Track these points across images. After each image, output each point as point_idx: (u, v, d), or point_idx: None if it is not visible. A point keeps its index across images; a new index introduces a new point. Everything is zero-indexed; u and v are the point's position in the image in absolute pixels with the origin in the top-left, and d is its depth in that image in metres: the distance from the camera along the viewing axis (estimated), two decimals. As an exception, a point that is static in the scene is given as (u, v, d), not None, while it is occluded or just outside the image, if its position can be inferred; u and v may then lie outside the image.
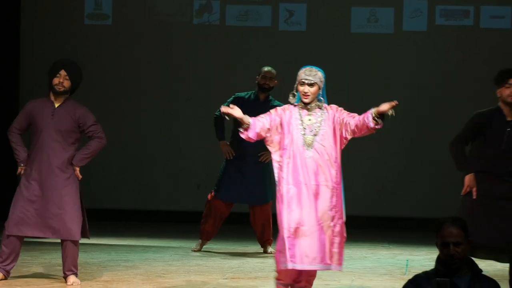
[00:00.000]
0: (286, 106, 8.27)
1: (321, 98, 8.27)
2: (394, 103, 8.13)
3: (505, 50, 14.02)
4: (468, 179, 9.11)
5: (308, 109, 8.20)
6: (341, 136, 8.34)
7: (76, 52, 14.34)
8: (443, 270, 6.31)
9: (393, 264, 11.31)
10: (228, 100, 11.42)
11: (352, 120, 8.31)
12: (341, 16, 14.30)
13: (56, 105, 9.44)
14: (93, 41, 14.40)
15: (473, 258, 6.62)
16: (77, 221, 9.47)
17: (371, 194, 14.15)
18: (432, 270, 6.43)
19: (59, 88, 9.38)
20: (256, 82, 11.40)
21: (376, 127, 8.22)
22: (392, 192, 14.06)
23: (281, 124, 8.18)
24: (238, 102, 10.80)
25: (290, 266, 8.08)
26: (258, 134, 8.11)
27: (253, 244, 11.75)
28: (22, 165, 9.48)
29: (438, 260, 6.34)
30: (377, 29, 14.29)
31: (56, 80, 9.37)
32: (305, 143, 8.15)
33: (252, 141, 8.24)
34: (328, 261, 8.27)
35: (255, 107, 10.21)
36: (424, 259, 11.60)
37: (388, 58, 14.18)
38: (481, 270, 6.41)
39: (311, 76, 8.21)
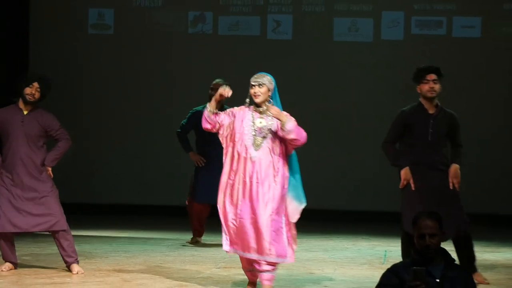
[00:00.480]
0: (242, 106, 8.46)
1: (271, 100, 8.40)
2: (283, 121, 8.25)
3: (475, 57, 14.05)
4: (404, 172, 9.23)
5: (260, 112, 8.36)
6: (282, 140, 8.40)
7: (81, 58, 14.37)
8: (419, 259, 6.29)
9: (372, 254, 11.32)
10: (187, 116, 11.55)
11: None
12: (324, 26, 14.30)
13: (25, 112, 9.52)
14: (96, 48, 14.41)
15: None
16: (60, 212, 9.55)
17: (352, 190, 14.16)
18: (409, 259, 6.43)
19: (30, 98, 9.51)
20: (209, 94, 11.34)
21: (284, 134, 8.32)
22: (371, 189, 14.06)
23: (233, 123, 8.38)
24: (196, 115, 11.02)
25: (225, 249, 8.43)
26: (215, 123, 8.41)
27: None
28: None
29: (415, 250, 6.33)
30: (357, 38, 14.30)
31: (28, 90, 9.48)
32: (254, 143, 8.32)
33: (209, 126, 8.43)
34: (262, 252, 8.31)
35: None
36: (400, 250, 11.58)
37: (367, 64, 14.18)
38: (454, 260, 6.40)
39: (259, 78, 8.40)
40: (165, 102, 14.28)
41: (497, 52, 14.08)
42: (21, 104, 9.52)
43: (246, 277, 9.10)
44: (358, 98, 14.16)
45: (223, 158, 8.43)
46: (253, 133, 8.29)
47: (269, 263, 8.38)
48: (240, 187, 8.31)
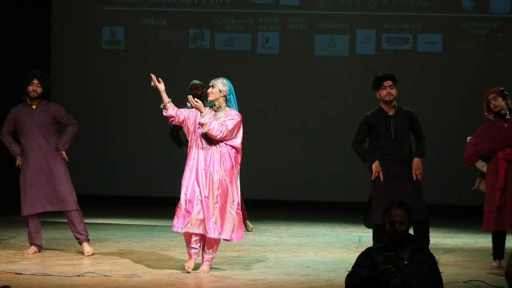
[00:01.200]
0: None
1: (229, 105, 8.66)
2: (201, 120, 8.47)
3: (437, 69, 14.07)
4: (375, 166, 9.26)
5: (215, 111, 8.60)
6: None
7: (97, 69, 14.35)
8: (389, 244, 6.32)
9: (348, 239, 11.33)
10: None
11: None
12: (307, 42, 14.30)
13: (34, 107, 9.54)
14: (109, 61, 14.40)
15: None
16: (72, 194, 9.55)
17: (331, 184, 14.15)
18: (380, 243, 6.44)
19: (33, 94, 9.58)
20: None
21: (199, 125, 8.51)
22: (346, 183, 14.06)
23: (194, 119, 8.59)
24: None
25: (174, 230, 8.59)
26: (176, 117, 8.64)
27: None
28: (18, 157, 9.58)
29: (386, 236, 6.36)
30: (335, 52, 14.30)
31: (30, 88, 9.55)
32: (205, 137, 8.54)
33: (172, 120, 8.71)
34: (208, 230, 8.45)
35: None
36: (372, 237, 11.61)
37: (344, 75, 14.19)
38: (421, 245, 6.44)
39: (214, 80, 8.69)
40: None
41: (455, 65, 14.11)
42: (29, 101, 9.57)
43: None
44: (335, 105, 14.18)
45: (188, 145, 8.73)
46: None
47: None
48: (199, 172, 8.52)
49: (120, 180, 14.24)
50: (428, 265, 6.31)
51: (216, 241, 8.57)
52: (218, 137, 8.41)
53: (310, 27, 14.30)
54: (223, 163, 8.50)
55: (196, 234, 8.52)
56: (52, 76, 14.08)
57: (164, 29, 14.39)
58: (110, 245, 10.36)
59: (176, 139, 11.90)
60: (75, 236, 9.60)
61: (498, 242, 9.24)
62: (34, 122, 9.54)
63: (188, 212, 8.47)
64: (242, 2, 14.32)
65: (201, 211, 8.44)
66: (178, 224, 8.53)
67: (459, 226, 12.39)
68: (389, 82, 9.36)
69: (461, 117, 13.69)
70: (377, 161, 9.20)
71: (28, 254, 9.49)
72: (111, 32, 14.45)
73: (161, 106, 8.70)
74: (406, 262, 6.25)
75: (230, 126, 8.44)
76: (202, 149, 8.53)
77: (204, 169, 8.49)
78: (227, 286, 8.14)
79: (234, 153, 8.58)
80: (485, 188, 9.31)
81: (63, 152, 9.62)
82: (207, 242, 8.56)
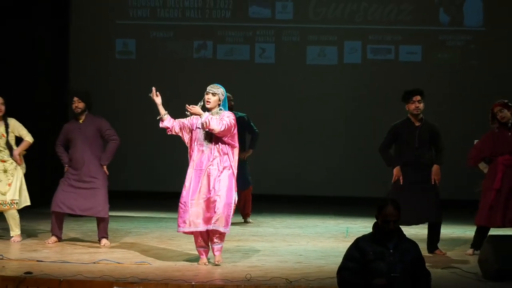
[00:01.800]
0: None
1: (222, 108, 8.37)
2: (189, 107, 8.40)
3: (417, 77, 14.03)
4: (396, 170, 9.27)
5: (212, 114, 8.31)
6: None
7: (111, 77, 14.35)
8: (378, 235, 6.32)
9: (337, 230, 11.32)
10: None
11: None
12: (299, 52, 14.30)
13: (80, 121, 9.53)
14: (122, 70, 14.41)
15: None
16: (105, 203, 9.55)
17: (323, 180, 14.15)
18: (369, 234, 6.46)
19: (77, 110, 9.57)
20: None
21: (207, 129, 8.27)
22: (336, 179, 14.06)
23: (191, 127, 8.44)
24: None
25: (179, 230, 8.41)
26: (172, 128, 8.60)
27: (236, 216, 11.71)
28: (66, 165, 9.59)
29: (375, 227, 6.36)
30: (325, 62, 14.30)
31: (73, 106, 9.56)
32: (205, 139, 8.34)
33: (168, 130, 8.66)
34: (210, 224, 8.30)
35: None
36: (359, 226, 11.59)
37: (333, 82, 14.18)
38: (405, 236, 6.48)
39: (214, 88, 8.38)
40: (175, 109, 14.26)
41: (433, 73, 14.11)
42: (76, 116, 9.61)
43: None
44: (326, 108, 14.17)
45: (189, 151, 8.51)
46: (204, 132, 8.32)
47: None
48: (198, 173, 8.36)
49: (132, 177, 14.23)
50: (411, 253, 6.32)
51: (223, 233, 8.44)
52: (222, 129, 8.18)
53: (302, 39, 14.29)
54: (223, 162, 8.36)
55: (201, 232, 8.38)
56: (72, 82, 14.14)
57: (171, 41, 14.38)
58: (122, 235, 10.34)
59: None
60: (98, 235, 9.62)
61: (481, 235, 9.21)
62: (81, 135, 9.54)
63: (190, 211, 8.33)
64: (241, 16, 14.30)
65: (204, 209, 8.31)
66: (182, 224, 8.39)
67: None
68: (418, 97, 9.35)
69: (437, 120, 13.68)
70: (398, 167, 9.22)
71: (48, 243, 9.49)
72: (123, 44, 14.44)
73: (158, 118, 8.56)
74: (391, 251, 6.25)
75: (229, 122, 8.26)
76: (203, 150, 8.36)
77: (206, 170, 8.33)
78: (228, 272, 8.11)
79: (232, 152, 8.43)
80: (483, 188, 9.31)
81: (104, 166, 9.62)
82: (214, 236, 8.46)
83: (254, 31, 14.33)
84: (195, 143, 8.43)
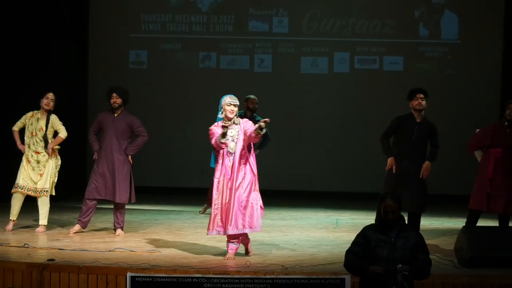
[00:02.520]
0: (216, 123, 8.20)
1: (237, 115, 8.27)
2: (267, 120, 7.90)
3: (399, 85, 14.03)
4: (390, 160, 9.21)
5: (231, 123, 8.14)
6: (245, 140, 8.15)
7: (125, 84, 14.27)
8: (381, 225, 6.45)
9: (328, 222, 11.31)
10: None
11: (250, 130, 8.08)
12: (294, 62, 14.31)
13: (115, 115, 9.52)
14: (135, 78, 14.37)
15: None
16: (126, 191, 9.51)
17: (315, 176, 14.14)
18: (372, 224, 6.60)
19: (114, 105, 9.50)
20: (245, 105, 11.35)
21: (258, 136, 7.97)
22: (327, 175, 14.05)
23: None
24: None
25: (211, 234, 8.17)
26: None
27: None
28: (96, 153, 9.56)
29: (379, 219, 6.53)
30: (317, 71, 14.30)
31: (111, 100, 9.50)
32: (229, 147, 8.11)
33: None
34: (242, 227, 8.08)
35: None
36: (347, 218, 11.59)
37: (324, 89, 14.19)
38: (407, 225, 6.58)
39: (236, 100, 8.19)
40: (183, 113, 14.28)
41: (413, 81, 14.06)
42: (111, 109, 9.59)
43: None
44: (317, 112, 14.17)
45: (217, 156, 8.25)
46: (229, 138, 8.11)
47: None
48: (226, 180, 8.10)
49: (145, 174, 14.20)
50: (412, 240, 6.37)
51: (242, 234, 8.21)
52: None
53: (297, 50, 14.29)
54: (247, 166, 8.16)
55: (233, 235, 8.13)
56: (90, 89, 14.14)
57: (179, 52, 14.38)
58: (135, 226, 10.33)
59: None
60: (114, 224, 9.58)
61: (472, 218, 9.16)
62: (113, 127, 9.52)
63: (218, 218, 8.12)
64: (242, 30, 14.31)
65: (228, 215, 8.05)
66: (211, 229, 8.16)
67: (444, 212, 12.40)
68: (421, 95, 9.29)
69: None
70: (392, 157, 9.15)
71: (71, 233, 9.45)
72: (136, 55, 14.44)
73: (221, 141, 8.07)
74: (393, 239, 6.31)
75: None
76: (229, 159, 8.11)
77: (232, 177, 8.08)
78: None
79: (253, 157, 8.28)
80: (477, 175, 9.21)
81: (129, 156, 9.60)
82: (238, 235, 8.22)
83: (254, 43, 14.33)
84: (221, 153, 8.16)
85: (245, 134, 8.09)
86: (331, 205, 12.80)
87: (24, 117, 9.66)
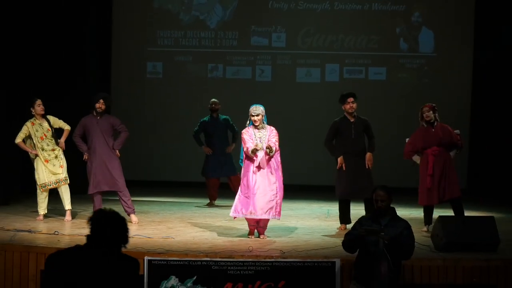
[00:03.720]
0: (247, 128, 8.55)
1: (264, 121, 8.57)
2: (273, 147, 8.41)
3: (382, 92, 14.09)
4: (340, 159, 9.34)
5: (257, 129, 8.51)
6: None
7: (143, 92, 14.33)
8: (373, 213, 6.52)
9: (320, 212, 11.30)
10: (198, 124, 11.69)
11: (269, 142, 8.51)
12: (290, 72, 14.28)
13: (98, 117, 9.51)
14: (152, 86, 14.37)
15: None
16: (121, 179, 9.52)
17: (310, 171, 14.11)
18: (368, 214, 6.82)
19: (99, 110, 9.52)
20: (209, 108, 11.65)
21: (268, 156, 8.44)
22: (320, 170, 14.02)
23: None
24: (203, 123, 11.74)
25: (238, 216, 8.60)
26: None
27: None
28: (85, 153, 9.57)
29: (373, 209, 6.60)
30: (311, 80, 14.27)
31: (97, 105, 9.53)
32: (258, 146, 8.45)
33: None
34: (267, 214, 8.45)
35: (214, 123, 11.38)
36: (337, 209, 11.53)
37: (316, 97, 14.17)
38: (397, 216, 6.59)
39: (258, 111, 8.48)
40: (193, 117, 14.21)
41: (395, 89, 14.11)
42: (94, 113, 9.53)
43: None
44: (311, 116, 14.14)
45: (243, 157, 8.59)
46: (256, 141, 8.47)
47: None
48: (260, 173, 8.44)
49: (159, 169, 14.20)
50: (399, 228, 6.38)
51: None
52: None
53: (293, 62, 14.26)
54: (272, 163, 8.54)
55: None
56: (113, 96, 14.07)
57: (190, 64, 14.35)
58: (151, 216, 10.31)
59: (198, 140, 11.88)
60: (125, 209, 9.54)
61: (428, 213, 9.24)
62: (98, 128, 9.49)
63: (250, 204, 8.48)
64: (245, 44, 14.28)
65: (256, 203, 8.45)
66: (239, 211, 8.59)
67: (398, 201, 12.33)
68: (351, 99, 9.39)
69: (397, 126, 13.70)
70: (341, 156, 9.22)
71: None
72: (153, 66, 14.41)
73: (251, 154, 8.45)
74: (382, 227, 6.32)
75: (277, 141, 8.57)
76: (258, 155, 8.42)
77: (263, 170, 8.42)
78: (234, 245, 8.08)
79: (279, 158, 8.65)
80: (420, 173, 9.30)
81: (117, 151, 9.58)
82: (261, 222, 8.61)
83: (255, 56, 14.29)
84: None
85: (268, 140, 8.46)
86: (323, 197, 12.77)
87: (24, 128, 9.62)
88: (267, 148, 8.40)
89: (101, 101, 9.54)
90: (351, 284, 6.60)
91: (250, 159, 8.41)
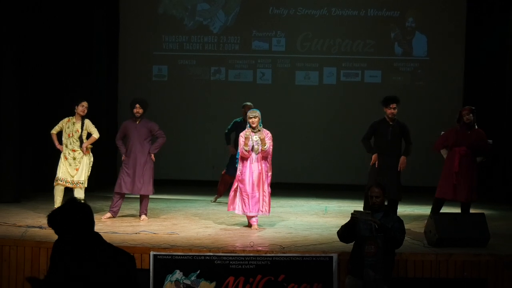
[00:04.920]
0: (245, 130, 8.94)
1: (260, 124, 8.91)
2: (263, 149, 8.80)
3: (377, 94, 13.99)
4: (374, 156, 9.28)
5: (254, 131, 8.87)
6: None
7: (149, 94, 14.31)
8: (369, 209, 6.53)
9: (318, 209, 11.29)
10: (231, 124, 11.50)
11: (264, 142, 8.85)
12: (290, 75, 14.28)
13: (137, 122, 9.50)
14: (157, 88, 14.36)
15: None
16: (150, 184, 9.51)
17: (308, 170, 14.11)
18: (364, 211, 6.79)
19: (137, 114, 9.46)
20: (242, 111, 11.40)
21: (263, 151, 8.85)
22: (317, 169, 14.02)
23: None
24: (236, 123, 11.09)
25: (238, 212, 8.97)
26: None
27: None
28: (124, 155, 9.55)
29: (367, 205, 6.60)
30: (309, 83, 14.26)
31: (135, 110, 9.48)
32: (253, 148, 8.83)
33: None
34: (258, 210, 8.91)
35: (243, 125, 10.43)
36: (335, 206, 11.56)
37: (315, 98, 14.16)
38: (390, 211, 6.69)
39: (255, 113, 8.90)
40: (197, 118, 14.26)
41: (390, 91, 13.96)
42: (134, 118, 9.58)
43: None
44: (309, 117, 14.15)
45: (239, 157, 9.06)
46: (252, 143, 8.81)
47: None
48: (251, 174, 8.86)
49: (165, 168, 14.20)
50: (391, 222, 6.39)
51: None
52: (267, 155, 8.89)
53: (292, 65, 14.26)
54: (265, 164, 8.92)
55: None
56: (120, 98, 14.11)
57: (194, 67, 14.34)
58: (157, 212, 10.31)
59: (228, 139, 11.72)
60: (140, 211, 9.58)
61: (438, 205, 9.15)
62: (136, 132, 9.52)
63: (246, 202, 8.89)
64: (246, 49, 14.28)
65: (251, 201, 8.88)
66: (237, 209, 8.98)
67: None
68: (394, 105, 9.33)
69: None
70: (376, 154, 9.21)
71: (103, 218, 9.43)
72: (158, 69, 14.41)
73: (245, 149, 8.83)
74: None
75: (271, 144, 8.89)
76: (251, 158, 8.84)
77: (256, 171, 8.84)
78: (236, 240, 8.08)
79: (269, 160, 9.00)
80: (443, 170, 9.19)
81: (153, 155, 9.58)
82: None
83: (256, 60, 14.29)
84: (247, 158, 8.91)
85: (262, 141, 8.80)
86: (321, 194, 12.78)
87: (61, 122, 9.65)
88: (261, 140, 8.73)
89: (137, 105, 9.56)
90: (347, 278, 6.61)
91: (245, 159, 8.75)
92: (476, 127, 9.05)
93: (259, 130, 8.84)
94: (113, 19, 14.00)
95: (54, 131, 9.67)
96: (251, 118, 8.78)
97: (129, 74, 14.30)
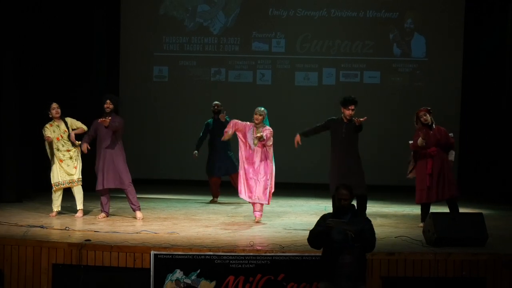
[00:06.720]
0: (249, 123, 9.40)
1: (265, 123, 9.34)
2: (259, 135, 9.17)
3: (377, 95, 14.08)
4: (297, 137, 9.62)
5: (257, 127, 9.30)
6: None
7: (150, 94, 14.34)
8: (337, 211, 6.46)
9: (318, 208, 11.28)
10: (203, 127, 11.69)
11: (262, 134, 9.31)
12: (289, 76, 14.28)
13: (107, 118, 9.41)
14: (158, 89, 14.37)
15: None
16: (127, 177, 9.47)
17: (308, 170, 14.11)
18: (330, 212, 6.66)
19: (107, 110, 9.45)
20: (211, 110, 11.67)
21: (260, 143, 9.31)
22: (316, 169, 14.03)
23: (244, 133, 9.35)
24: (207, 125, 11.78)
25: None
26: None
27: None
28: (83, 144, 9.44)
29: (335, 206, 6.49)
30: (309, 83, 14.27)
31: (105, 106, 9.48)
32: (254, 143, 9.27)
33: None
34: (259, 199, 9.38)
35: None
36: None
37: (314, 99, 14.17)
38: (358, 212, 6.70)
39: (260, 111, 9.36)
40: (197, 118, 14.21)
41: (389, 91, 14.11)
42: (104, 113, 9.50)
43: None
44: (309, 117, 14.08)
45: (239, 149, 8.96)
46: (253, 137, 9.27)
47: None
48: (252, 167, 9.38)
49: (164, 168, 14.21)
50: (360, 224, 6.34)
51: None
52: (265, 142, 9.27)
53: (292, 66, 14.26)
54: (265, 157, 9.43)
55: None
56: (122, 98, 14.09)
57: (194, 68, 14.35)
58: (158, 212, 10.30)
59: (198, 143, 11.85)
60: (130, 206, 9.55)
61: (425, 210, 9.18)
62: (105, 127, 9.48)
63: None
64: (246, 49, 14.28)
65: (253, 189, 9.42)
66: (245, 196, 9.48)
67: (392, 199, 12.34)
68: (353, 106, 9.33)
69: (391, 127, 13.73)
70: (298, 135, 9.61)
71: (98, 218, 9.42)
72: (159, 70, 14.42)
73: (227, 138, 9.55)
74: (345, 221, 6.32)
75: (268, 136, 9.29)
76: (252, 152, 9.35)
77: (257, 162, 9.38)
78: (236, 239, 8.07)
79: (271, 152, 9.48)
80: (416, 173, 9.26)
81: (106, 120, 9.32)
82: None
83: (256, 61, 14.29)
84: (248, 145, 9.39)
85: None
86: (320, 194, 12.77)
87: (46, 131, 9.60)
88: (258, 135, 9.16)
89: (108, 101, 9.54)
90: (321, 284, 6.47)
91: (248, 152, 9.26)
92: (434, 126, 9.11)
93: (262, 127, 9.25)
94: (114, 19, 14.00)
95: (49, 138, 9.58)
96: (256, 114, 9.25)
97: (130, 74, 14.29)
